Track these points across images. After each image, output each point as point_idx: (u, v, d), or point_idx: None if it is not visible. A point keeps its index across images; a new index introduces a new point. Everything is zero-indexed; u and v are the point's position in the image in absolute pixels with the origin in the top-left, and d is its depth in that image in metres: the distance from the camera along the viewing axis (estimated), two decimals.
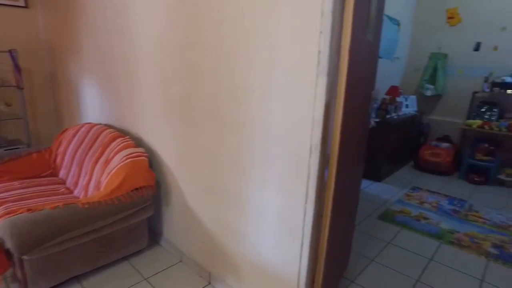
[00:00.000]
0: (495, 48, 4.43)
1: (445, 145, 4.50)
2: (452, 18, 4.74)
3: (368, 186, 3.86)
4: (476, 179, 4.12)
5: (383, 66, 4.46)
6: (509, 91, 4.18)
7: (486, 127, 4.20)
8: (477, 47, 4.57)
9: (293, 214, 1.50)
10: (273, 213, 1.60)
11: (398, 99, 4.59)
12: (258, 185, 1.63)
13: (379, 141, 3.92)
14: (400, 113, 4.40)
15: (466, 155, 4.24)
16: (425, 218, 3.11)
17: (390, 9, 4.24)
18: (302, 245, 1.53)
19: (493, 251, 2.63)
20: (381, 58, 4.30)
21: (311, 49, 1.30)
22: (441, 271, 2.34)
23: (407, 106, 4.78)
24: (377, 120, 3.87)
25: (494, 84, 4.31)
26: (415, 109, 4.83)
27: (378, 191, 3.73)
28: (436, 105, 5.01)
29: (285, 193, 1.51)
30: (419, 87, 4.97)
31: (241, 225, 1.78)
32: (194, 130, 1.93)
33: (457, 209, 3.36)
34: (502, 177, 4.09)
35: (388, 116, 4.08)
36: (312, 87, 1.31)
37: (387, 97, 4.44)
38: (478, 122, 4.29)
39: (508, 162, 4.27)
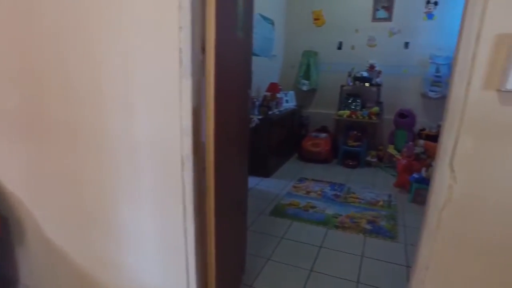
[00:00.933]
0: (353, 47, 5.02)
1: (323, 135, 4.91)
2: (317, 19, 5.18)
3: (258, 184, 3.92)
4: (350, 163, 4.60)
5: (261, 64, 4.59)
6: (366, 84, 4.78)
7: (353, 116, 4.72)
8: (339, 46, 5.10)
9: (173, 233, 1.33)
10: (151, 235, 1.39)
11: (278, 95, 4.79)
12: (129, 207, 1.39)
13: (264, 138, 4.01)
14: (282, 109, 4.60)
15: (340, 142, 4.69)
16: (313, 207, 3.29)
17: (263, 8, 4.38)
18: (187, 265, 1.37)
19: (368, 226, 2.93)
20: (259, 56, 4.41)
21: (171, 46, 1.13)
22: (330, 256, 2.47)
23: (287, 101, 5.03)
24: (260, 117, 3.95)
25: (355, 78, 4.86)
26: (295, 103, 5.13)
27: (268, 187, 3.82)
28: (312, 98, 5.42)
29: (161, 212, 1.32)
30: (296, 82, 5.31)
31: (116, 254, 1.52)
32: (46, 148, 1.57)
33: (338, 193, 3.66)
34: (369, 158, 4.67)
35: (270, 113, 4.21)
36: (176, 91, 1.15)
37: (268, 94, 4.59)
38: (347, 112, 4.79)
39: (373, 145, 4.90)
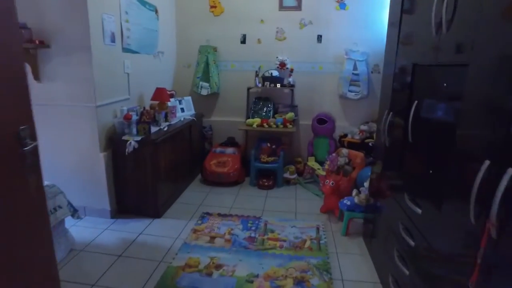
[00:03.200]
0: (259, 41, 4.16)
1: (230, 150, 3.95)
2: (214, 7, 4.18)
3: (144, 230, 2.77)
4: (265, 184, 3.73)
5: (142, 63, 3.42)
6: (278, 85, 3.98)
7: (265, 125, 3.87)
8: (243, 40, 4.20)
9: None
10: None
11: (170, 103, 3.68)
12: None
13: (147, 165, 2.88)
14: (174, 121, 3.50)
15: (252, 158, 3.79)
16: (218, 267, 2.29)
17: None
18: None
19: None
20: (136, 53, 3.24)
21: None
22: None
23: (182, 110, 3.95)
24: (138, 138, 2.80)
25: (264, 79, 4.02)
26: (193, 112, 4.08)
27: (157, 236, 2.70)
28: (215, 104, 4.43)
29: None
30: (193, 86, 4.24)
31: None
32: None
33: (252, 234, 2.73)
34: (287, 175, 3.87)
35: (157, 129, 3.08)
36: None
37: (155, 102, 3.44)
38: (257, 120, 3.91)
39: (290, 157, 4.13)
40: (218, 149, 4.00)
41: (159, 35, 3.74)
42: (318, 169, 3.71)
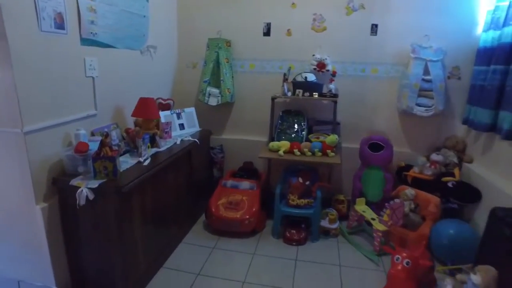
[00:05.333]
0: (289, 32, 3.02)
1: (246, 185, 2.84)
2: None
3: None
4: (295, 237, 2.60)
5: (125, 63, 2.36)
6: (315, 95, 2.84)
7: (296, 151, 2.73)
8: (267, 30, 3.07)
9: None
10: None
11: (164, 118, 2.62)
12: None
13: (113, 221, 1.80)
14: (166, 145, 2.42)
15: (277, 199, 2.65)
16: None
17: None
18: None
19: None
20: (112, 47, 2.18)
21: None
22: None
23: (182, 126, 2.87)
24: (95, 185, 1.72)
25: (296, 85, 2.89)
26: (197, 128, 2.99)
27: None
28: (227, 118, 3.32)
29: None
30: (199, 93, 3.15)
31: None
32: None
33: None
34: (325, 223, 2.72)
35: (136, 162, 2.01)
36: None
37: (139, 119, 2.38)
38: (285, 145, 2.78)
39: (328, 198, 2.98)
40: (230, 182, 2.89)
41: (150, 23, 2.66)
42: (373, 219, 2.53)
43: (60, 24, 1.78)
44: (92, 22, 2.01)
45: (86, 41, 1.98)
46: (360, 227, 2.75)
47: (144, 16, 2.59)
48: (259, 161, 3.08)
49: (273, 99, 2.95)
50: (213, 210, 2.64)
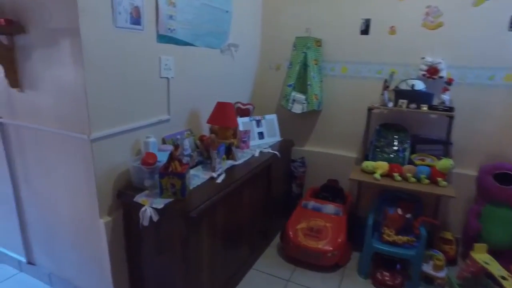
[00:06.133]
0: (392, 30, 2.51)
1: (330, 209, 2.42)
2: None
3: None
4: (388, 282, 2.09)
5: (203, 63, 2.13)
6: (423, 108, 2.28)
7: (397, 176, 2.22)
8: (365, 28, 2.60)
9: None
10: None
11: (242, 126, 2.34)
12: None
13: (178, 248, 1.55)
14: (243, 157, 2.12)
15: (369, 231, 2.17)
16: None
17: None
18: None
19: None
20: (191, 45, 1.95)
21: None
22: None
23: (261, 135, 2.56)
24: (161, 205, 1.47)
25: (399, 93, 2.38)
26: (278, 138, 2.66)
27: None
28: (313, 128, 2.92)
29: None
30: (282, 99, 2.81)
31: None
32: None
33: None
34: (429, 269, 2.15)
35: (208, 177, 1.74)
36: None
37: (215, 127, 2.12)
38: (382, 166, 2.29)
39: (431, 235, 2.39)
40: (312, 204, 2.50)
41: (233, 19, 2.40)
42: (503, 278, 1.90)
43: (136, 19, 1.58)
44: (171, 17, 1.79)
45: (163, 38, 1.77)
46: (477, 282, 2.12)
47: (227, 11, 2.33)
48: (345, 179, 2.62)
49: (369, 109, 2.47)
50: (291, 235, 2.27)
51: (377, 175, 2.23)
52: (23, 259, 2.08)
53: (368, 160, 2.41)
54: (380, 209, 2.29)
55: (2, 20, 1.45)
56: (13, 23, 1.48)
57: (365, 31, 2.60)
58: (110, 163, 1.58)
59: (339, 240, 2.21)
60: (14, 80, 1.61)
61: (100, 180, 1.54)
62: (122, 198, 1.62)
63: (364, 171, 2.33)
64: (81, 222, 1.68)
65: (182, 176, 1.47)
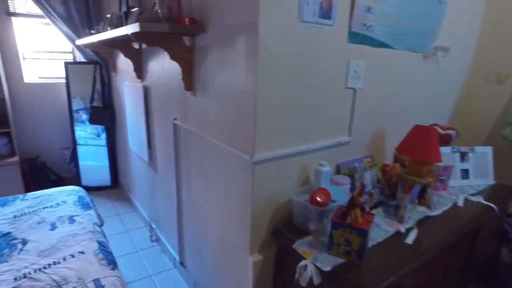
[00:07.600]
0: None
1: None
2: None
3: None
4: None
5: (399, 71, 1.61)
6: None
7: None
8: None
9: None
10: None
11: (441, 163, 1.70)
12: None
13: None
14: (441, 209, 1.49)
15: None
16: None
17: None
18: None
19: None
20: (389, 47, 1.47)
21: None
22: None
23: (466, 173, 1.84)
24: (329, 267, 1.05)
25: None
26: (490, 181, 1.86)
27: None
28: None
29: None
30: (507, 125, 1.98)
31: None
32: None
33: None
34: None
35: (393, 231, 1.23)
36: None
37: (401, 157, 1.57)
38: None
39: None
40: None
41: (446, 13, 1.76)
42: None
43: (326, 11, 1.20)
44: (369, 9, 1.34)
45: (356, 37, 1.34)
46: None
47: (440, 1, 1.71)
48: None
49: None
50: None
51: None
52: (177, 258, 2.08)
53: None
54: None
55: (187, 19, 1.33)
56: (196, 22, 1.35)
57: None
58: (271, 191, 1.27)
59: None
60: (189, 83, 1.51)
61: (257, 210, 1.25)
62: (278, 238, 1.30)
63: None
64: (229, 251, 1.45)
65: (364, 234, 1.01)
